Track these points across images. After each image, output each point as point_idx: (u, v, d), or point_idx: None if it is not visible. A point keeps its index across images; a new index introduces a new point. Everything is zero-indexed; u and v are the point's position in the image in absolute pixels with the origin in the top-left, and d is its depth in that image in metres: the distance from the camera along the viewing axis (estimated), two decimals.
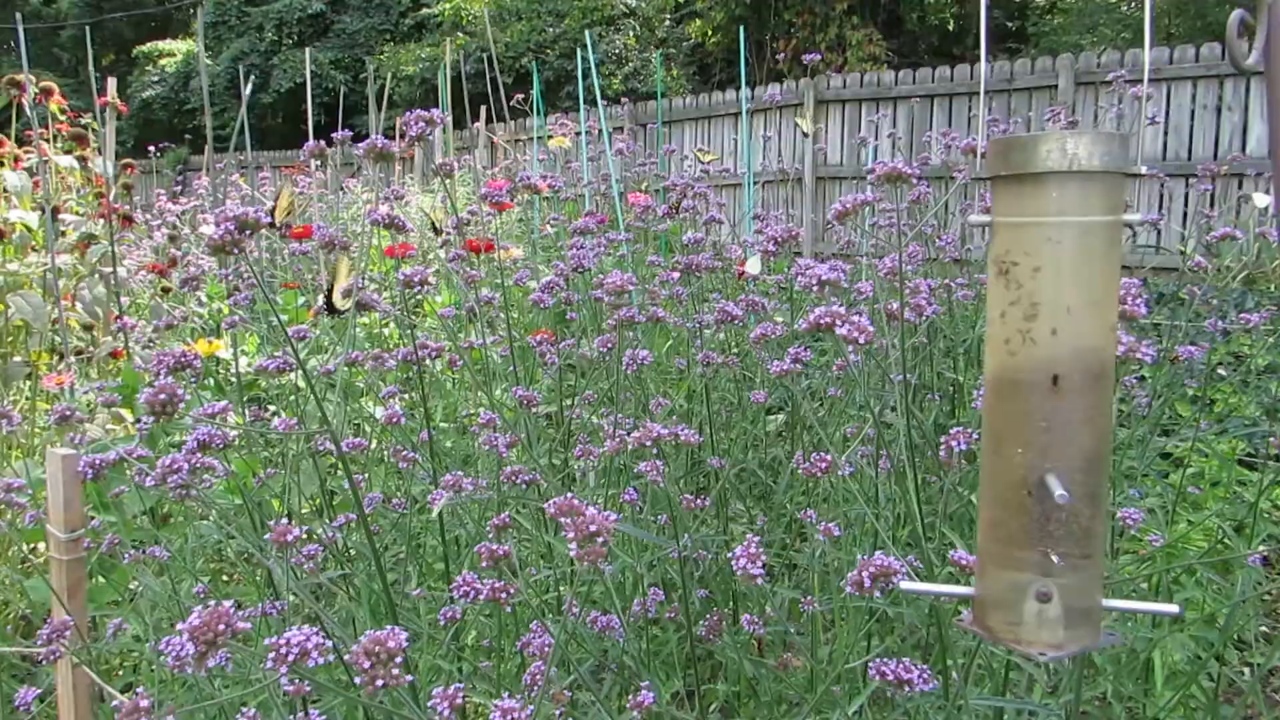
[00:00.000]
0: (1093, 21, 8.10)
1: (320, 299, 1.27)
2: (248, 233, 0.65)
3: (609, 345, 0.95)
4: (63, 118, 2.31)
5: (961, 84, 6.65)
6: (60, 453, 0.98)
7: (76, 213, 2.32)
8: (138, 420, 2.28)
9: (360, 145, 0.94)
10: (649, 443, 0.75)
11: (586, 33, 3.22)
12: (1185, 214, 5.83)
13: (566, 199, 3.17)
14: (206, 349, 2.01)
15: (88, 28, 2.27)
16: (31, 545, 2.00)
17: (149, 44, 15.21)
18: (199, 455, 0.96)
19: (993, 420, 0.45)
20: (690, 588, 1.02)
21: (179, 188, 6.55)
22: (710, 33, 9.87)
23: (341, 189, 4.38)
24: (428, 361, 1.46)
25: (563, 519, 0.55)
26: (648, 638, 1.21)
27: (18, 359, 2.13)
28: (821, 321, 0.66)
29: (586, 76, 3.16)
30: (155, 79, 14.12)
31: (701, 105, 7.97)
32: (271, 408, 2.37)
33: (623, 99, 8.48)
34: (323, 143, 1.01)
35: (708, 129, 7.96)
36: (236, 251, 0.64)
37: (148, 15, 18.12)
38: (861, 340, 0.64)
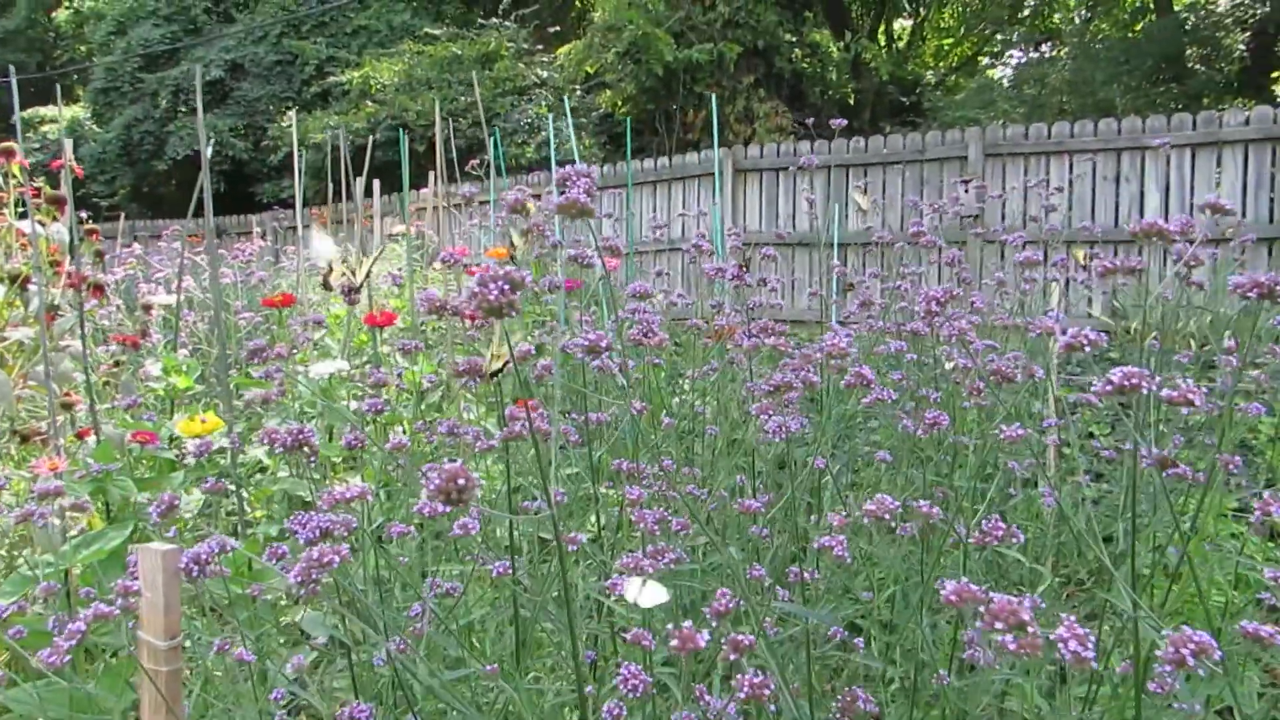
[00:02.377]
0: (990, 97, 8.52)
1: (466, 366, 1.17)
2: (518, 294, 0.58)
3: (779, 427, 0.89)
4: (21, 179, 2.15)
5: (875, 155, 6.87)
6: (157, 549, 0.86)
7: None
8: (108, 509, 2.10)
9: (511, 197, 0.87)
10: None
11: (565, 99, 3.19)
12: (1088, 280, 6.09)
13: (535, 260, 3.11)
14: (199, 427, 1.86)
15: None
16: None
17: (29, 110, 14.62)
18: (329, 546, 0.86)
19: None
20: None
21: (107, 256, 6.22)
22: (620, 103, 10.00)
23: (278, 256, 4.22)
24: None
25: (998, 623, 0.49)
26: None
27: None
28: (1127, 383, 0.62)
29: (565, 141, 3.12)
30: (37, 146, 13.55)
31: (620, 173, 8.03)
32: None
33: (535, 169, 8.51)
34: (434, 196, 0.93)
35: (621, 196, 8.01)
36: (511, 314, 0.57)
37: (26, 80, 17.47)
38: (1197, 403, 0.60)
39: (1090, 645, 0.61)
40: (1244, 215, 5.57)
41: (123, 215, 6.80)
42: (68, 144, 2.29)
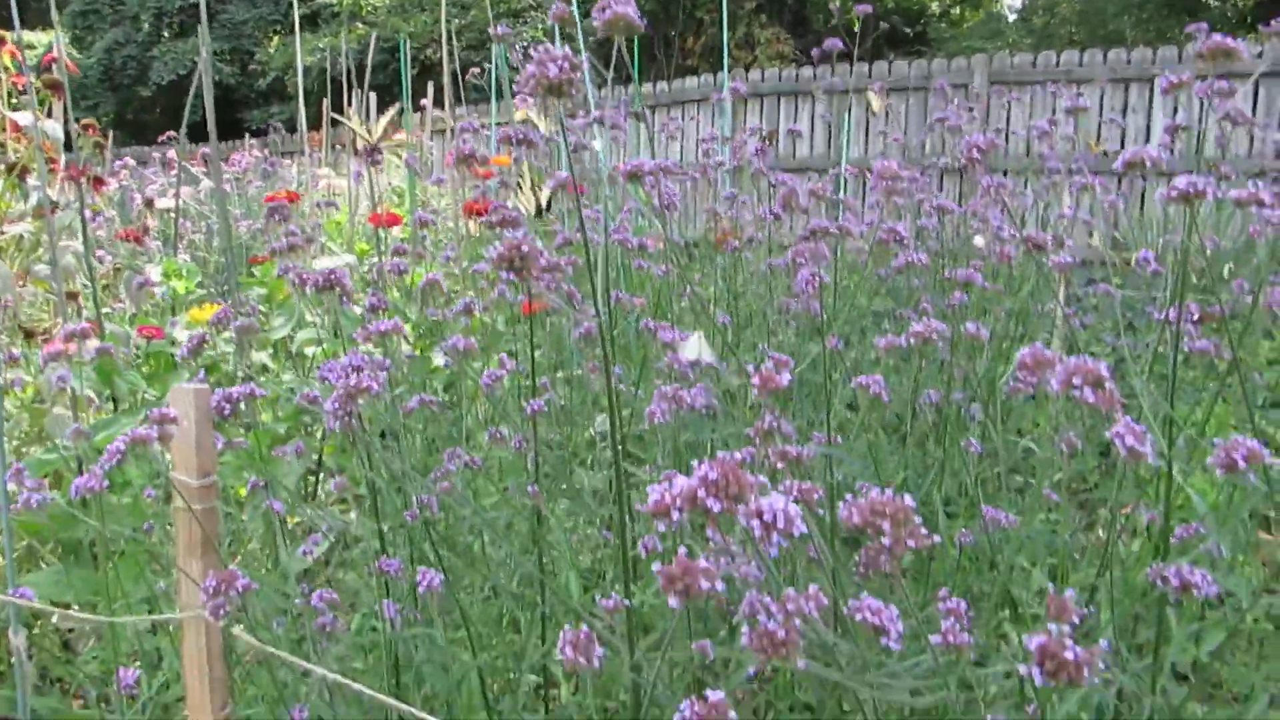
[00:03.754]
0: (998, 27, 8.38)
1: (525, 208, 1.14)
2: (576, 73, 0.55)
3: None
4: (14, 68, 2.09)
5: (879, 80, 6.77)
6: (190, 388, 0.85)
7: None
8: (112, 399, 2.08)
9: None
10: None
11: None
12: (1091, 208, 6.04)
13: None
14: (209, 314, 1.83)
15: None
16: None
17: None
18: (366, 374, 0.84)
19: None
20: None
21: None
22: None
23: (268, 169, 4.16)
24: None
25: (1076, 378, 0.47)
26: None
27: None
28: (1191, 189, 0.59)
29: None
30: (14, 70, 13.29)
31: (616, 99, 7.91)
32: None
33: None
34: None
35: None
36: (572, 93, 0.55)
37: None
38: (1267, 200, 0.57)
39: (1148, 442, 0.59)
40: (1250, 150, 5.49)
41: (110, 138, 6.66)
42: (61, 36, 2.23)
